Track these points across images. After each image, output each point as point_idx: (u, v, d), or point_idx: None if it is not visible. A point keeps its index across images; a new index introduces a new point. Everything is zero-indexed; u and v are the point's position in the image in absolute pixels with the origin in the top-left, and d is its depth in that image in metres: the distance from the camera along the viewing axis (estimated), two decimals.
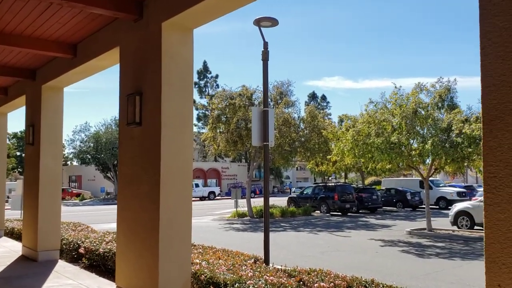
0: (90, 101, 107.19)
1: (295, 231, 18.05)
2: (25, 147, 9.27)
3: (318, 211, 25.99)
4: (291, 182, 74.99)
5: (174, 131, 5.15)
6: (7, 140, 13.41)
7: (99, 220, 21.60)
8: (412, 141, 15.97)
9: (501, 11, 2.33)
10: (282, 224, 20.86)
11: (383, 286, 5.38)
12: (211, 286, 5.26)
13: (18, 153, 55.38)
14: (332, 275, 5.80)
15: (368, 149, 15.30)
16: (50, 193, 8.61)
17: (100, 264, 7.71)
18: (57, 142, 8.70)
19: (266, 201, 7.42)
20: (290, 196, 31.06)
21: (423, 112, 15.59)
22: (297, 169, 79.07)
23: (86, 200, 45.69)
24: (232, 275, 5.33)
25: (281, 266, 6.44)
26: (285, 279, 5.30)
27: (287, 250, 12.75)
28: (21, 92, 9.66)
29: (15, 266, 8.11)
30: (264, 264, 6.47)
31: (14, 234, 11.85)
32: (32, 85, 8.93)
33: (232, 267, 5.92)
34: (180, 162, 5.20)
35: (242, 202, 25.09)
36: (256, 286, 4.89)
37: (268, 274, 5.51)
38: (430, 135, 15.34)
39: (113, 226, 18.64)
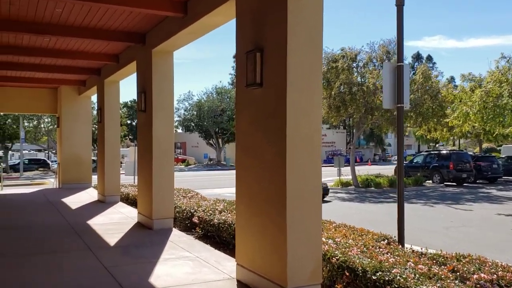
0: (191, 71, 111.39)
1: (407, 202, 16.71)
2: (137, 114, 9.20)
3: (430, 181, 24.11)
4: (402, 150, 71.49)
5: (301, 92, 4.40)
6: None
7: (205, 186, 22.04)
8: None
9: None
10: (391, 194, 19.56)
11: None
12: (345, 271, 4.54)
13: (128, 122, 59.14)
14: (489, 263, 4.79)
15: (499, 112, 13.36)
16: (163, 159, 8.44)
17: (215, 235, 7.40)
18: (168, 108, 8.45)
19: (400, 171, 6.43)
20: None
21: None
22: (395, 136, 75.17)
23: (190, 166, 47.60)
24: (369, 260, 4.55)
25: (421, 248, 5.53)
26: (436, 268, 4.40)
27: (406, 224, 11.66)
28: (131, 58, 9.55)
29: (132, 233, 8.12)
30: (400, 246, 5.60)
31: (129, 200, 12.20)
32: (142, 50, 8.72)
33: (365, 248, 5.14)
34: (308, 127, 4.46)
35: (344, 170, 24.15)
36: (403, 276, 4.06)
37: (411, 260, 4.66)
38: None
39: (218, 191, 18.87)
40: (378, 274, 4.20)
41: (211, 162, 50.48)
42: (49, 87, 16.38)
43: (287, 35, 4.28)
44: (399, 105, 6.32)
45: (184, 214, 8.71)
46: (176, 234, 7.93)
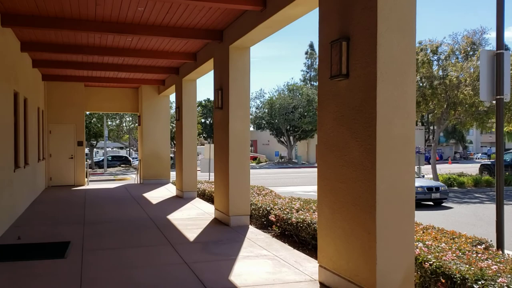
0: (263, 69, 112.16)
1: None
2: (214, 112, 9.25)
3: None
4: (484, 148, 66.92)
5: (392, 84, 4.08)
6: None
7: (277, 183, 21.95)
8: None
9: None
10: (476, 194, 18.28)
11: None
12: (440, 278, 4.16)
13: (203, 120, 60.66)
14: None
15: None
16: (240, 157, 8.41)
17: (293, 234, 7.22)
18: (244, 105, 8.39)
19: (499, 170, 5.84)
20: (483, 163, 27.31)
21: None
22: (481, 132, 70.37)
23: (261, 164, 47.87)
24: (468, 267, 4.13)
25: None
26: None
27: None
28: (209, 56, 9.62)
29: (210, 229, 8.16)
30: (500, 252, 5.07)
31: (205, 196, 12.38)
32: (220, 47, 8.74)
33: (460, 253, 4.70)
34: (400, 121, 4.13)
35: (423, 168, 22.95)
36: None
37: None
38: None
39: (291, 189, 18.68)
40: (480, 283, 3.79)
41: (282, 160, 50.39)
42: (131, 86, 17.10)
43: (377, 22, 3.99)
44: (498, 96, 5.74)
45: (260, 212, 8.61)
46: (253, 232, 7.86)
